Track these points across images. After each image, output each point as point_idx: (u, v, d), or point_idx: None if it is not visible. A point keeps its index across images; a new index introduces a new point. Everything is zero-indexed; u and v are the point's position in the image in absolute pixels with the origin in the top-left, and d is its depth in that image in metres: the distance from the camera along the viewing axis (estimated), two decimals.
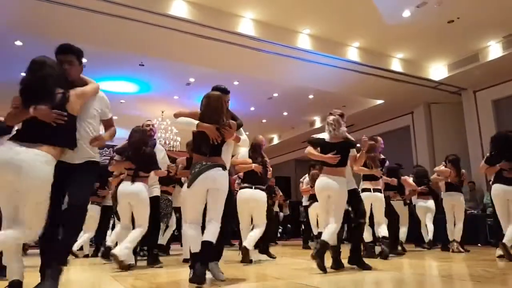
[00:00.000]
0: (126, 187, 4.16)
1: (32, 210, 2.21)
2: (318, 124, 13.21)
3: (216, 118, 3.08)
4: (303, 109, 12.17)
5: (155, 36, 6.95)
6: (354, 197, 4.07)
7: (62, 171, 2.44)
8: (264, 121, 12.81)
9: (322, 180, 3.84)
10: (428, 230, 6.69)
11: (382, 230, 5.13)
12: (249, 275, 3.60)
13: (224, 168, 3.11)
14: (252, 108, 11.53)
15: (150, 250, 4.61)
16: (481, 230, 7.63)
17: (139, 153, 4.23)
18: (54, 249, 2.48)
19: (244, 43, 7.25)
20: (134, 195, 4.13)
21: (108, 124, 2.93)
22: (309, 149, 3.95)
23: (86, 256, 6.18)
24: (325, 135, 3.95)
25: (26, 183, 2.17)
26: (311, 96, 10.95)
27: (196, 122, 3.04)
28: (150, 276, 3.59)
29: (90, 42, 7.04)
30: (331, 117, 3.92)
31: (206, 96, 3.22)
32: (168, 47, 7.51)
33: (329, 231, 3.65)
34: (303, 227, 13.89)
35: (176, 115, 3.15)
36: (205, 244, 2.90)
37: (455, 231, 6.11)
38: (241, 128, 3.66)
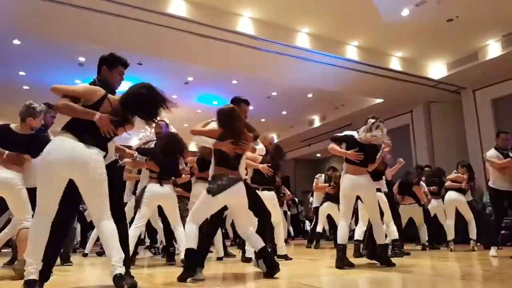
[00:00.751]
0: (157, 188, 4.23)
1: (97, 201, 2.45)
2: (317, 123, 13.21)
3: (237, 136, 3.25)
4: (302, 108, 12.16)
5: (153, 35, 6.92)
6: None
7: None
8: (263, 120, 12.79)
9: (350, 178, 3.88)
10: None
11: (392, 232, 5.02)
12: (250, 274, 3.59)
13: (243, 181, 3.30)
14: (251, 107, 11.44)
15: (167, 249, 4.79)
16: (480, 229, 7.62)
17: (169, 159, 4.35)
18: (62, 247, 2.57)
19: (243, 42, 7.24)
20: (166, 197, 4.29)
21: None
22: (333, 145, 4.05)
23: (85, 255, 6.08)
24: (354, 134, 4.02)
25: (91, 178, 2.40)
26: (310, 95, 10.95)
27: (212, 141, 3.24)
28: (149, 276, 3.58)
29: (88, 41, 7.01)
30: (372, 121, 3.98)
31: (226, 116, 3.30)
32: (167, 46, 7.49)
33: (382, 232, 3.93)
34: (303, 226, 14.02)
35: (195, 133, 3.35)
36: (263, 249, 3.24)
37: (469, 231, 6.20)
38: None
